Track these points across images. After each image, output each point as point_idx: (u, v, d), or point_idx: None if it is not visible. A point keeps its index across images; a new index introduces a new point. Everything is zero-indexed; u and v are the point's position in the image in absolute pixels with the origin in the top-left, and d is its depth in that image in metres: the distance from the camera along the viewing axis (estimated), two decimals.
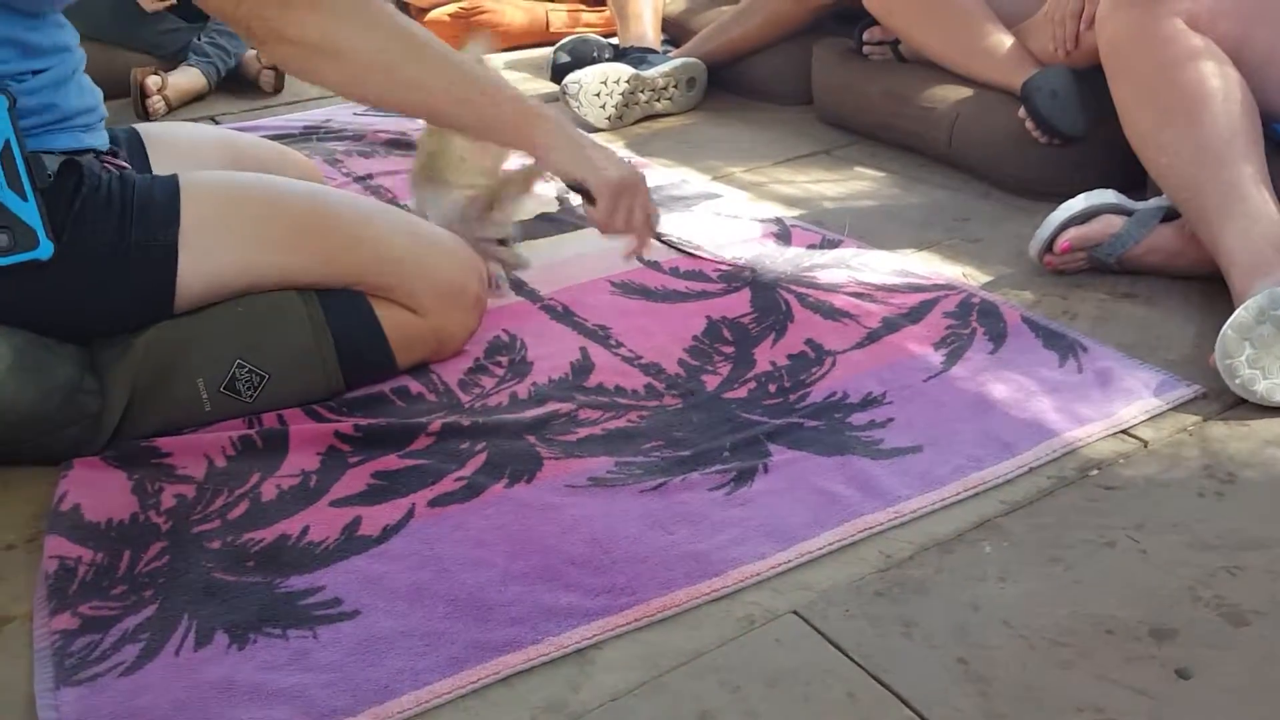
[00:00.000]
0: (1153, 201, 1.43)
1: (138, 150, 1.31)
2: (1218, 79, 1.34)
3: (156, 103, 2.31)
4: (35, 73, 1.05)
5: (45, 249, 1.02)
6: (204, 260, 1.12)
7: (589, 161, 1.13)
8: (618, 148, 2.00)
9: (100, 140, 1.15)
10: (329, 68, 1.04)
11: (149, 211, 1.09)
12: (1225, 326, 1.14)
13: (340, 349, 1.17)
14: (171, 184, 1.12)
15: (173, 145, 1.34)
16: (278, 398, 1.16)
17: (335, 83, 1.07)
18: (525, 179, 1.39)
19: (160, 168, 1.28)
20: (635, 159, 1.95)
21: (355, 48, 1.03)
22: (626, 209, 1.15)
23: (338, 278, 1.19)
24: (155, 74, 2.33)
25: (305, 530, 0.99)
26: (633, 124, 2.15)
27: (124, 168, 1.18)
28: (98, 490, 1.05)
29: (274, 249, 1.15)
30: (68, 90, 1.09)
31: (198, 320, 1.13)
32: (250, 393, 1.14)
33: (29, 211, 1.01)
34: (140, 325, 1.12)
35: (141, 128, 1.35)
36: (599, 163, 1.13)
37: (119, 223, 1.08)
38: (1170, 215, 1.41)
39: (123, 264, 1.08)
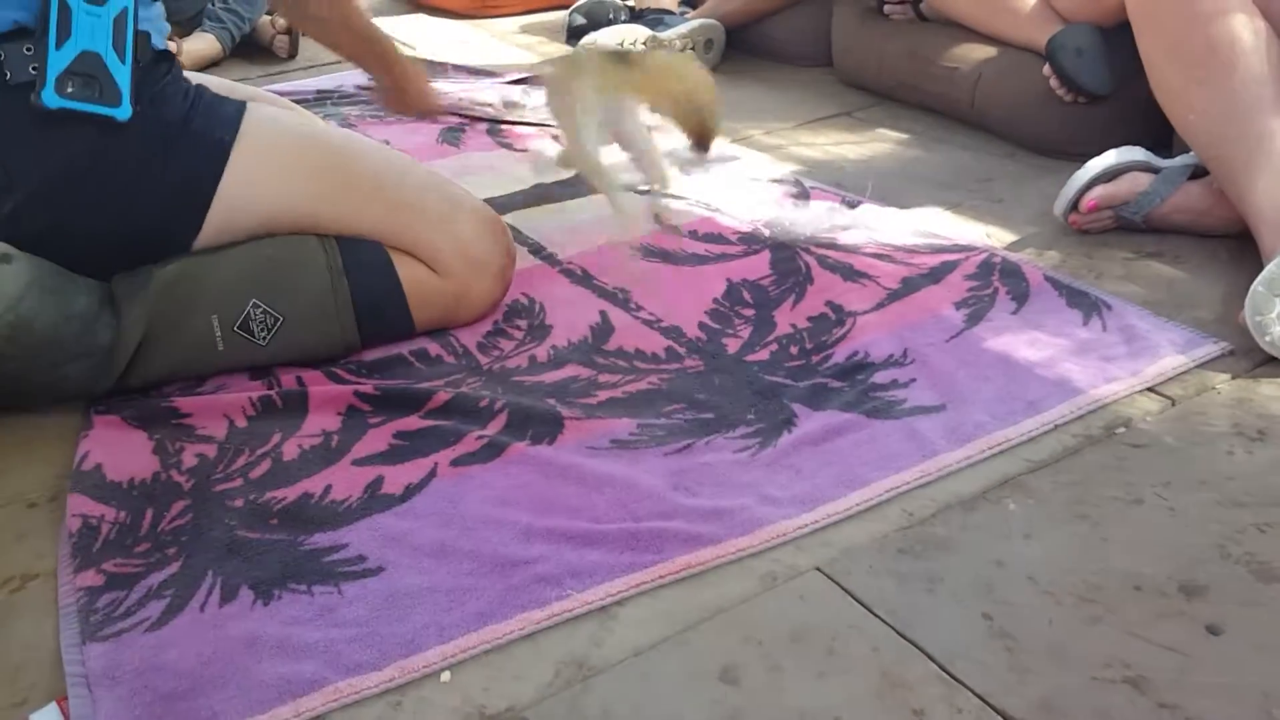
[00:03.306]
0: (1180, 159, 1.41)
1: None
2: (1248, 32, 1.31)
3: None
4: None
5: (124, 110, 1.09)
6: (243, 186, 1.16)
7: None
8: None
9: None
10: None
11: (215, 113, 1.17)
12: (1255, 283, 1.12)
13: (356, 298, 1.17)
14: (239, 104, 1.19)
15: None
16: (292, 343, 1.16)
17: None
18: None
19: None
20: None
21: None
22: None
23: (360, 224, 1.20)
24: (170, 39, 2.32)
25: (328, 489, 0.99)
26: None
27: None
28: (119, 450, 1.05)
29: (305, 184, 1.18)
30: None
31: (217, 258, 1.15)
32: (264, 334, 1.14)
33: (122, 74, 1.09)
34: (166, 246, 1.15)
35: None
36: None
37: (188, 111, 1.15)
38: (1198, 173, 1.39)
39: (181, 146, 1.13)
